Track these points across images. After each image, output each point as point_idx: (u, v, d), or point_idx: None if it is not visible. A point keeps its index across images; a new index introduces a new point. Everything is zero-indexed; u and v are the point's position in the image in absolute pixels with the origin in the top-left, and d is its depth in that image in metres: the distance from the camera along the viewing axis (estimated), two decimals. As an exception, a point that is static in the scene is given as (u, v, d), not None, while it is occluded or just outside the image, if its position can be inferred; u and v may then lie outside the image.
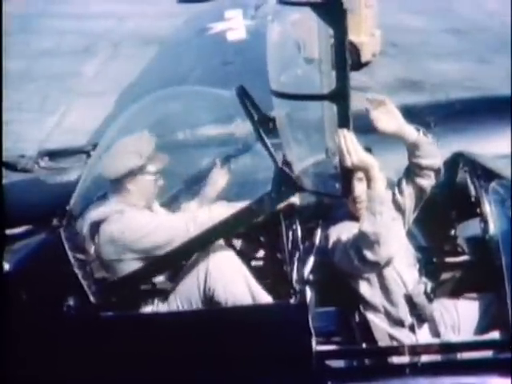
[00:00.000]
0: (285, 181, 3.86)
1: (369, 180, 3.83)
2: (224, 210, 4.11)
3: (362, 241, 3.82)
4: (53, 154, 5.73)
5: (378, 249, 3.77)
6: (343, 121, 3.62)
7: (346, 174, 3.78)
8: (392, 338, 4.16)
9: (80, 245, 4.18)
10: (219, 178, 4.59)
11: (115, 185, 4.24)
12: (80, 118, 13.02)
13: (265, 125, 4.08)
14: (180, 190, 4.67)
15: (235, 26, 10.21)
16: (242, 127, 5.57)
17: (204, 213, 4.18)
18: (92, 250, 4.17)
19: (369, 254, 3.80)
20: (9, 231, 4.77)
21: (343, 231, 4.09)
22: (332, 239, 4.14)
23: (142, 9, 24.45)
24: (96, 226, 4.17)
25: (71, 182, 5.38)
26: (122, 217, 4.15)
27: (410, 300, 4.15)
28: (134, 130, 4.37)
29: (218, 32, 10.21)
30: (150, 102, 4.71)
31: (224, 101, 4.43)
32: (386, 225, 3.78)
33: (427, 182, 4.20)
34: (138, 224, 4.15)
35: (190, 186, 4.62)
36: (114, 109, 8.80)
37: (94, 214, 4.21)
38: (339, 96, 3.48)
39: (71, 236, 4.21)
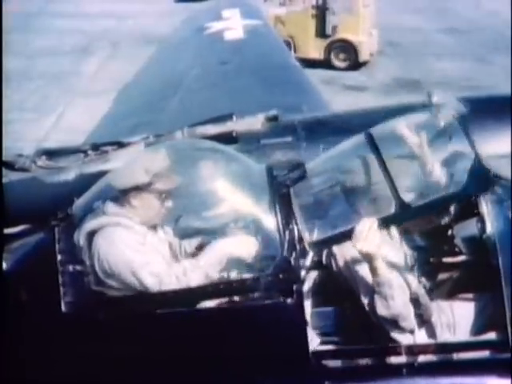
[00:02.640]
0: (285, 270, 3.90)
1: (372, 267, 3.98)
2: (212, 265, 4.08)
3: (384, 321, 4.02)
4: (50, 153, 5.71)
5: (401, 326, 4.03)
6: (388, 222, 4.05)
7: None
8: (390, 338, 4.16)
9: (78, 256, 4.13)
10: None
11: (120, 196, 4.20)
12: (78, 117, 13.05)
13: (282, 203, 4.06)
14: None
15: (233, 26, 10.23)
16: (241, 124, 5.60)
17: (192, 266, 4.09)
18: (88, 262, 4.12)
19: (394, 333, 4.04)
20: (7, 230, 4.76)
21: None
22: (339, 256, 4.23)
23: (140, 8, 24.51)
24: (91, 237, 4.13)
25: (69, 181, 5.37)
26: (114, 232, 4.09)
27: (415, 300, 4.17)
28: None
29: (216, 31, 10.23)
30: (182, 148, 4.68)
31: (252, 172, 4.42)
32: (401, 305, 4.01)
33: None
34: (125, 249, 4.04)
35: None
36: (112, 108, 8.80)
37: (89, 224, 4.14)
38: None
39: (68, 245, 4.16)
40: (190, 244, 4.39)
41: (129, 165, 4.31)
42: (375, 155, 4.08)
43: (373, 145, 4.12)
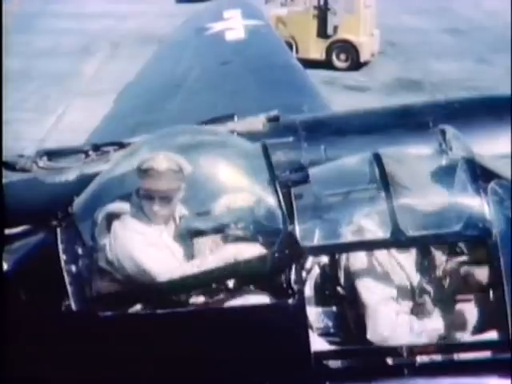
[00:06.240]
0: (291, 245, 3.90)
1: None
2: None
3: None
4: (51, 154, 5.70)
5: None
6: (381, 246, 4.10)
7: None
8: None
9: (92, 231, 4.18)
10: None
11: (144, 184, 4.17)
12: (79, 117, 13.05)
13: (281, 181, 4.06)
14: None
15: (234, 26, 10.22)
16: (242, 124, 5.60)
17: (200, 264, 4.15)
18: (102, 239, 4.16)
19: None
20: (7, 231, 4.76)
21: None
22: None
23: (140, 8, 24.50)
24: (110, 218, 4.18)
25: (69, 181, 5.37)
26: (132, 222, 4.14)
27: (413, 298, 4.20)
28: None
29: (217, 32, 10.23)
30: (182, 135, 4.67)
31: (249, 152, 4.43)
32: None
33: None
34: (138, 242, 4.11)
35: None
36: (113, 108, 8.80)
37: (111, 206, 4.20)
38: None
39: (71, 244, 4.17)
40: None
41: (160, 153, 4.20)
42: (380, 177, 4.08)
43: (380, 165, 4.12)
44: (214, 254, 4.16)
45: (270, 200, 4.02)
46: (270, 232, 4.05)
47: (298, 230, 3.92)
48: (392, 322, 4.08)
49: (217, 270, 3.98)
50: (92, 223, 4.19)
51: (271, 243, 3.97)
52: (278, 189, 3.97)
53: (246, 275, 4.00)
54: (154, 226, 4.18)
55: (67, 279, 4.03)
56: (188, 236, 4.35)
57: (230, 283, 4.06)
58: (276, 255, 3.90)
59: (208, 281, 4.01)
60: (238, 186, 4.28)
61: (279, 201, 3.95)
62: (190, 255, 4.32)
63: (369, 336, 4.06)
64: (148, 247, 4.10)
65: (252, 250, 4.06)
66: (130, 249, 4.07)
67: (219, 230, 4.32)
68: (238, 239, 4.24)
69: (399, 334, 4.08)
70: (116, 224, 4.16)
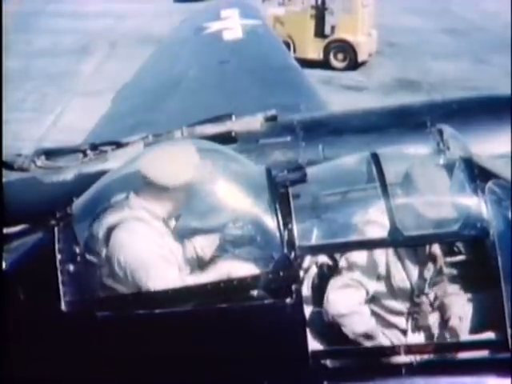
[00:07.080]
0: (286, 267, 3.90)
1: None
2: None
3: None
4: (49, 153, 5.70)
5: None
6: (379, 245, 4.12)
7: None
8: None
9: (93, 247, 4.16)
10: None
11: (145, 189, 4.18)
12: (77, 116, 13.05)
13: (281, 203, 4.05)
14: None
15: (231, 26, 10.22)
16: (239, 124, 5.60)
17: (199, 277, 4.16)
18: (103, 254, 4.12)
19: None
20: (6, 230, 4.76)
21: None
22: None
23: (139, 8, 24.49)
24: (110, 231, 4.12)
25: (67, 181, 5.37)
26: (134, 226, 4.11)
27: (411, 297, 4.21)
28: None
29: (215, 31, 10.23)
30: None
31: (251, 172, 4.44)
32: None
33: None
34: (143, 246, 4.09)
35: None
36: (111, 107, 8.79)
37: (111, 218, 4.14)
38: None
39: (68, 244, 4.15)
40: (204, 251, 4.41)
41: (173, 161, 4.20)
42: (378, 176, 4.09)
43: (377, 165, 4.13)
44: (207, 273, 4.18)
45: (268, 223, 4.02)
46: (266, 256, 4.07)
47: (295, 229, 3.92)
48: (352, 304, 4.11)
49: (210, 285, 3.99)
50: (90, 236, 4.16)
51: (266, 265, 3.99)
52: (279, 212, 3.97)
53: (238, 293, 3.99)
54: (156, 226, 4.17)
55: (61, 278, 4.03)
56: (187, 237, 4.35)
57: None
58: (270, 277, 3.91)
59: (201, 295, 4.01)
60: (237, 204, 4.27)
61: (277, 224, 3.95)
62: (189, 257, 4.33)
63: (325, 301, 4.10)
64: (150, 252, 4.07)
65: (247, 269, 4.07)
66: (133, 252, 4.05)
67: (218, 229, 4.33)
68: (235, 242, 4.25)
69: (356, 320, 4.11)
70: (117, 232, 4.10)
